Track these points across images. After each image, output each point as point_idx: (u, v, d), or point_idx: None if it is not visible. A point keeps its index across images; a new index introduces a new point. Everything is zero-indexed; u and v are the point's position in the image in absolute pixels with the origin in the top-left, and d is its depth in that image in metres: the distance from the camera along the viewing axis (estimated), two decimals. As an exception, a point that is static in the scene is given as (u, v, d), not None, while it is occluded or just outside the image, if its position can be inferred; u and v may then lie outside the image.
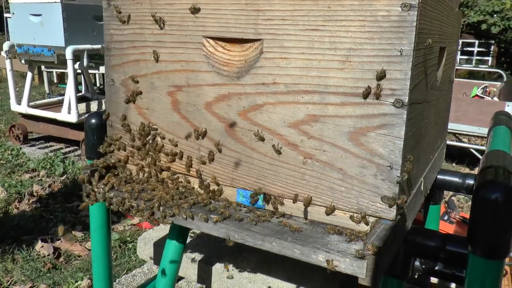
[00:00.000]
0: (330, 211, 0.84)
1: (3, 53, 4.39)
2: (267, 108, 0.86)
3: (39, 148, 4.55)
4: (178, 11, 0.91)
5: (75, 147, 4.59)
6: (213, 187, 0.96)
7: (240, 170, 0.92)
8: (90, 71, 5.31)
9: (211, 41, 0.90)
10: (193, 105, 0.94)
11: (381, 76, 0.74)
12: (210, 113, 0.93)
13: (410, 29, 0.71)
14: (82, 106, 4.58)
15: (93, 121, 1.14)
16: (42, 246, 2.61)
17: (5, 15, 6.91)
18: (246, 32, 0.85)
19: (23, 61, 4.47)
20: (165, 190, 0.98)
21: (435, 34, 0.88)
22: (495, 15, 11.28)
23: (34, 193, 3.33)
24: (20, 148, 4.45)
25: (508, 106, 4.26)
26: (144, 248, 1.32)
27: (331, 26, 0.77)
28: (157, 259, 1.28)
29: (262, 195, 0.90)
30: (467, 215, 2.41)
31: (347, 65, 0.77)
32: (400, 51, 0.73)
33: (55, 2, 3.99)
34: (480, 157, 4.45)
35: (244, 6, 0.84)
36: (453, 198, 2.58)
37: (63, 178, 3.71)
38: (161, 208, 0.92)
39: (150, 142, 1.02)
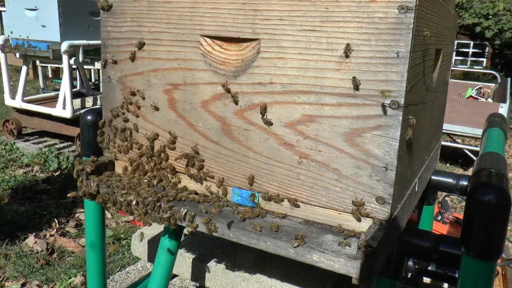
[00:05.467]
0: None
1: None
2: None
3: (33, 143, 4.52)
4: (176, 9, 0.91)
5: (70, 143, 4.57)
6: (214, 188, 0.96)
7: (236, 169, 0.92)
8: (85, 66, 5.28)
9: (208, 40, 0.90)
10: (190, 103, 0.94)
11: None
12: (207, 112, 0.93)
13: (407, 31, 0.72)
14: (77, 102, 4.56)
15: (89, 117, 1.13)
16: (36, 242, 2.60)
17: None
18: (243, 31, 0.85)
19: (17, 55, 4.44)
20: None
21: (431, 36, 0.89)
22: (490, 17, 11.34)
23: (28, 189, 3.32)
24: (14, 143, 4.42)
25: (502, 107, 4.29)
26: (138, 246, 1.32)
27: (328, 27, 0.77)
28: (151, 256, 1.28)
29: (257, 194, 0.91)
30: (460, 216, 2.43)
31: (344, 66, 0.77)
32: (397, 53, 0.73)
33: (51, -4, 3.97)
34: (474, 157, 4.48)
35: (242, 6, 0.84)
36: (446, 198, 2.60)
37: (57, 173, 3.69)
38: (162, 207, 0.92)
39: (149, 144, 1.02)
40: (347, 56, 0.76)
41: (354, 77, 0.76)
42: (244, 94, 0.87)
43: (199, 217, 0.89)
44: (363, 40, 0.75)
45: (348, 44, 0.75)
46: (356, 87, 0.76)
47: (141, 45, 0.97)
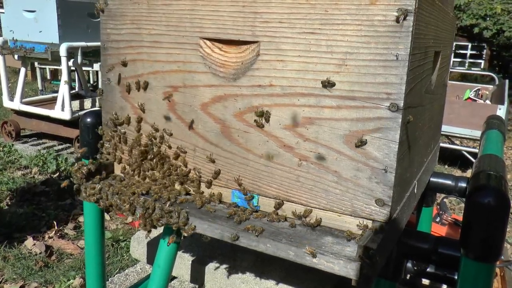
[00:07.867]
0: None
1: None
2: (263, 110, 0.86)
3: (32, 145, 4.52)
4: (175, 12, 0.92)
5: (68, 145, 4.56)
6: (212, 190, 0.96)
7: (235, 171, 0.92)
8: (84, 68, 5.28)
9: (208, 42, 0.90)
10: (189, 105, 0.95)
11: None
12: (206, 114, 0.93)
13: (406, 34, 0.72)
14: (76, 104, 4.55)
15: (88, 119, 1.14)
16: (34, 244, 2.59)
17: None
18: (243, 34, 0.85)
19: (16, 57, 4.44)
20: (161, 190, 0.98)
21: (430, 38, 0.89)
22: (487, 19, 11.36)
23: (26, 191, 3.31)
24: (12, 144, 4.42)
25: (500, 109, 4.29)
26: (138, 248, 1.32)
27: (328, 29, 0.77)
28: (150, 258, 1.28)
29: (257, 196, 0.91)
30: (459, 217, 2.43)
31: (343, 69, 0.78)
32: (396, 55, 0.73)
33: (49, -2, 3.97)
34: (472, 159, 4.48)
35: (242, 8, 0.84)
36: (445, 200, 2.60)
37: (55, 175, 3.69)
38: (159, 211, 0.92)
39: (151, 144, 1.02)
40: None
41: (327, 78, 0.78)
42: (244, 97, 0.88)
43: (199, 220, 0.89)
44: (362, 42, 0.75)
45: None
46: (329, 85, 0.78)
47: (124, 64, 0.99)
